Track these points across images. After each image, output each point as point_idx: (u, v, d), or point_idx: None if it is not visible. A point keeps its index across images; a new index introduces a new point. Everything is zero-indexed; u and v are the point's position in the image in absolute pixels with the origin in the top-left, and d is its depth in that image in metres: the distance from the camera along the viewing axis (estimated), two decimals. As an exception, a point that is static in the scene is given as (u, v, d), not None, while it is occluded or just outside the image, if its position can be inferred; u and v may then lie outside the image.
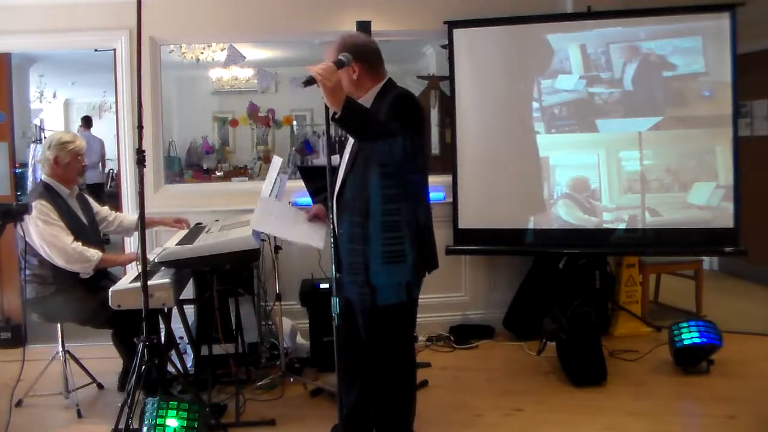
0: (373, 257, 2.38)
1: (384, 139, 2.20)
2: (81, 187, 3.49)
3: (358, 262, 2.40)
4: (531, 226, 4.17)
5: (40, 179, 3.37)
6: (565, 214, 4.11)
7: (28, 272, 3.20)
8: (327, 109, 2.19)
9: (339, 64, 2.25)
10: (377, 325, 2.44)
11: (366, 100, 2.41)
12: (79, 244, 3.16)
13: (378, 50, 2.47)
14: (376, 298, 2.40)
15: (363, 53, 2.40)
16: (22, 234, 3.03)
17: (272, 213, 2.87)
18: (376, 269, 2.38)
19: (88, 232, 3.35)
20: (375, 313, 2.42)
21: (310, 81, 2.17)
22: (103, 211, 3.61)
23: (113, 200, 4.40)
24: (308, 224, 2.80)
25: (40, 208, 3.10)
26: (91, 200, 3.58)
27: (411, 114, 2.32)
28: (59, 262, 3.13)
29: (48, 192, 3.24)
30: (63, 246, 3.11)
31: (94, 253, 3.17)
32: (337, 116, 2.16)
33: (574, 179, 4.09)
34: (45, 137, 6.52)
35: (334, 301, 2.20)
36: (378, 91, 2.42)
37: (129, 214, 4.02)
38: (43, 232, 3.11)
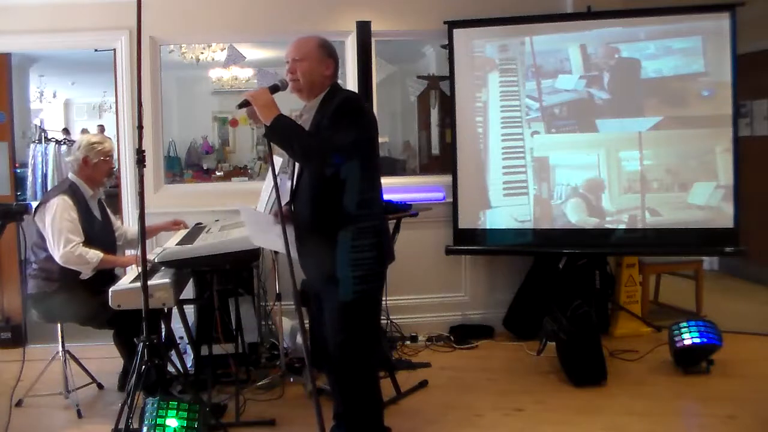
0: (341, 255, 2.43)
1: (309, 151, 2.35)
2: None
3: (328, 261, 2.45)
4: (531, 226, 4.17)
5: (67, 177, 3.46)
6: (571, 214, 4.10)
7: (34, 266, 3.27)
8: (266, 127, 2.40)
9: (275, 89, 2.48)
10: (344, 319, 2.49)
11: (316, 101, 2.51)
12: (81, 246, 3.18)
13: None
14: (341, 294, 2.45)
15: (336, 56, 2.56)
16: (39, 224, 3.17)
17: (257, 224, 2.84)
18: (342, 266, 2.43)
19: (102, 234, 3.40)
20: (342, 308, 2.47)
21: (244, 103, 2.43)
22: (116, 222, 3.67)
23: (113, 200, 4.40)
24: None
25: (61, 202, 3.19)
26: (107, 208, 3.64)
27: (351, 115, 2.40)
28: (58, 260, 3.15)
29: (72, 189, 3.32)
30: (64, 248, 3.13)
31: (94, 255, 3.19)
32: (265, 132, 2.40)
33: (588, 180, 4.07)
34: (46, 137, 6.54)
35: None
36: (325, 94, 2.51)
37: (130, 227, 4.01)
38: (54, 226, 3.16)
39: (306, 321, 3.81)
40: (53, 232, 3.17)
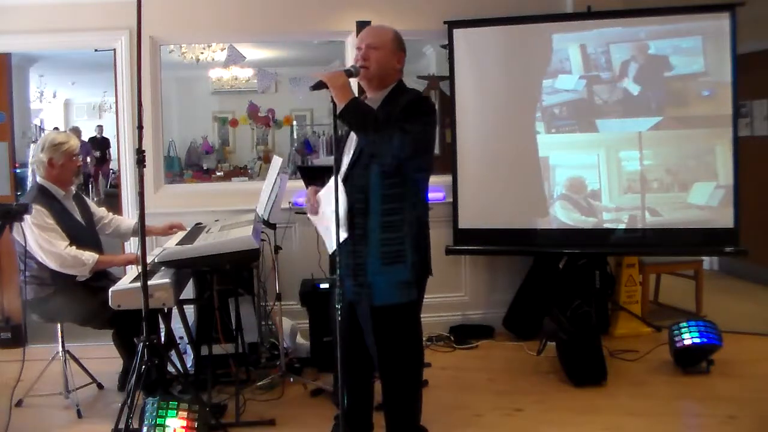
0: (372, 257, 2.40)
1: (381, 138, 2.31)
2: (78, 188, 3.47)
3: (360, 264, 2.42)
4: (531, 226, 4.17)
5: (35, 182, 3.32)
6: (562, 215, 4.11)
7: (27, 274, 3.19)
8: (335, 106, 2.34)
9: (348, 74, 2.40)
10: (382, 325, 2.45)
11: (382, 94, 2.48)
12: (74, 248, 3.13)
13: None
14: (376, 298, 2.41)
15: (406, 52, 2.53)
16: (20, 239, 3.03)
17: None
18: (375, 269, 2.40)
19: (85, 233, 3.32)
20: (378, 313, 2.43)
21: (319, 85, 2.35)
22: (99, 212, 3.59)
23: (113, 200, 4.40)
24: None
25: (34, 212, 3.02)
26: (88, 201, 3.57)
27: (424, 115, 2.39)
28: (54, 266, 3.11)
29: (43, 195, 3.21)
30: (57, 251, 3.09)
31: (90, 257, 3.14)
32: (339, 112, 2.32)
33: (570, 179, 4.09)
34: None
35: (337, 292, 2.29)
36: (393, 88, 2.49)
37: (127, 218, 3.98)
38: (38, 237, 3.08)
39: (311, 323, 3.84)
40: (36, 245, 3.08)
